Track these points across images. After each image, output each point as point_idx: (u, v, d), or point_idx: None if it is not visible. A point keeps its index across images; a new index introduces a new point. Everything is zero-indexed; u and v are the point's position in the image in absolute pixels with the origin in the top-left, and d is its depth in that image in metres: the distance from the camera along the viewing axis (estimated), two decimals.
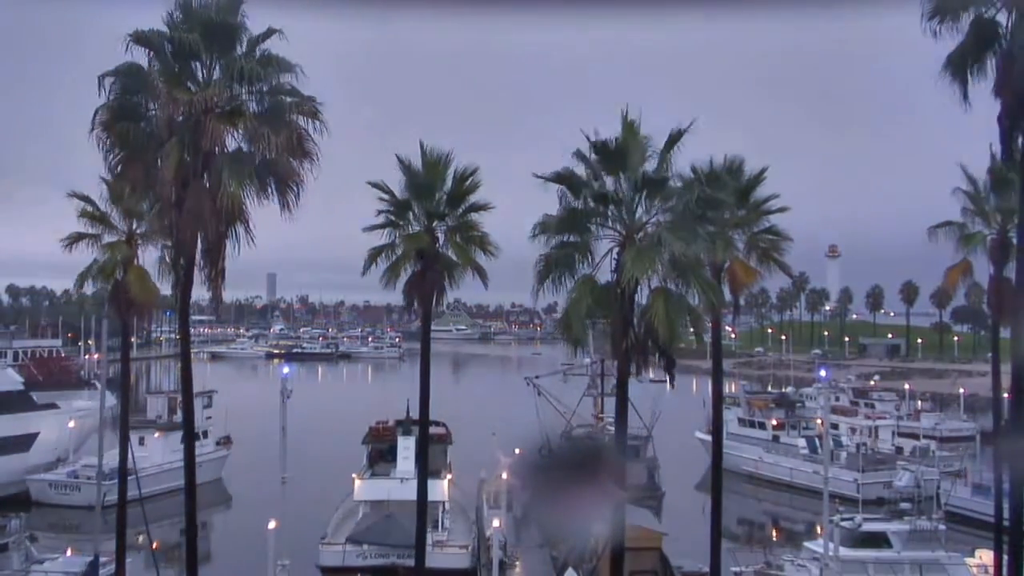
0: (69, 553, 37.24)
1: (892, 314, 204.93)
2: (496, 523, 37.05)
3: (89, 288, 33.05)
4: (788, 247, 30.67)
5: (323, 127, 20.85)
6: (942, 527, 38.12)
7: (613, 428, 43.48)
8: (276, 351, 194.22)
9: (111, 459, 38.38)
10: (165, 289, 27.09)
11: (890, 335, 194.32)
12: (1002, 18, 19.86)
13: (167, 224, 21.25)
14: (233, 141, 20.56)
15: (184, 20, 20.26)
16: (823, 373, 60.27)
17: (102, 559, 33.08)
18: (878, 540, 37.33)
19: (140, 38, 19.94)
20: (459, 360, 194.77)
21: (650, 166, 21.85)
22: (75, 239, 29.58)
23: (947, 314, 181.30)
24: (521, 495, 41.62)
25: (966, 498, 50.19)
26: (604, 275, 22.01)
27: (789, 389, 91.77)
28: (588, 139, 21.55)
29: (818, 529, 40.40)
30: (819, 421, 60.29)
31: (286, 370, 44.77)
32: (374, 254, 26.18)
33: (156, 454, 54.69)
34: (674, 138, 21.77)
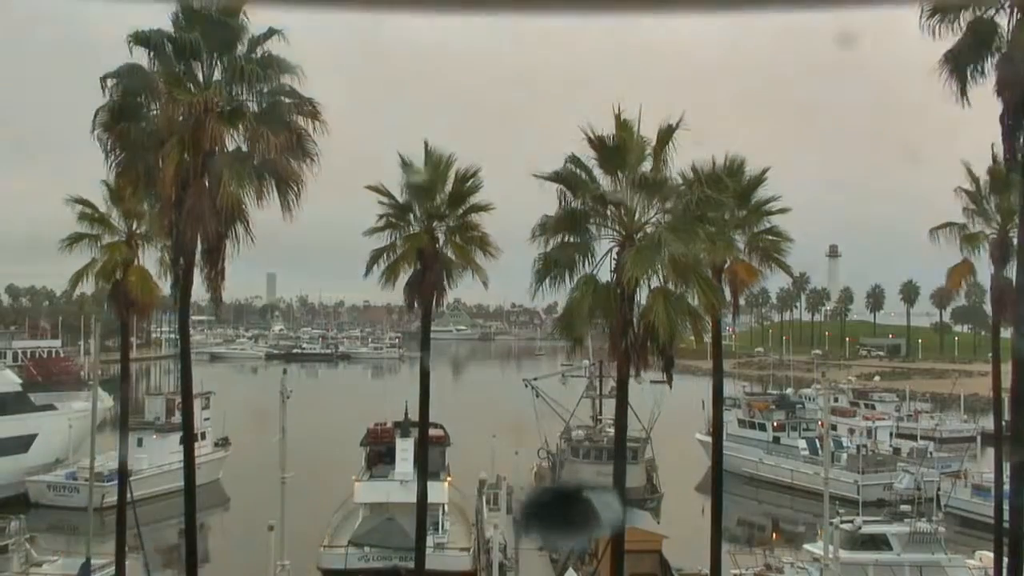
0: (60, 559, 37.11)
1: (892, 314, 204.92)
2: (496, 525, 37.01)
3: (87, 288, 32.95)
4: (789, 247, 30.70)
5: (323, 128, 20.91)
6: (942, 529, 38.08)
7: (611, 430, 43.60)
8: (276, 351, 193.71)
9: (111, 460, 38.39)
10: (165, 289, 27.08)
11: (891, 335, 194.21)
12: (1000, 19, 19.89)
13: (167, 224, 21.25)
14: (233, 141, 20.61)
15: (185, 20, 20.25)
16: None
17: (100, 561, 33.02)
18: (878, 542, 37.30)
19: (141, 38, 19.95)
20: (459, 361, 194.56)
21: (648, 166, 21.84)
22: (75, 239, 29.55)
23: (947, 314, 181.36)
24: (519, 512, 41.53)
25: (966, 499, 50.16)
26: (604, 275, 22.02)
27: (789, 390, 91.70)
28: (587, 135, 21.54)
29: (818, 531, 40.34)
30: (820, 423, 60.26)
31: (285, 372, 44.82)
32: (376, 256, 26.15)
33: (155, 455, 54.64)
34: (664, 135, 21.74)
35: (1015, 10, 19.23)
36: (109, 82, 19.89)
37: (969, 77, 20.06)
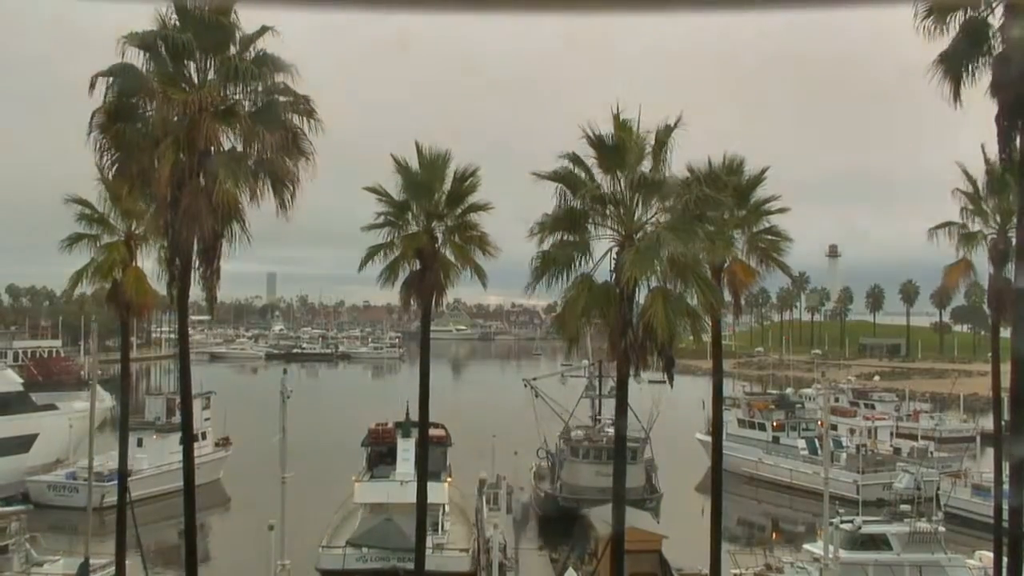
0: (61, 558, 37.13)
1: (892, 316, 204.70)
2: (496, 525, 36.99)
3: (87, 288, 32.97)
4: (788, 247, 30.69)
5: (318, 126, 20.88)
6: (942, 529, 38.06)
7: (611, 430, 43.57)
8: (276, 351, 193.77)
9: (111, 460, 38.37)
10: (163, 289, 27.05)
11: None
12: (992, 20, 19.90)
13: (163, 224, 21.22)
14: (228, 141, 20.56)
15: (178, 20, 20.21)
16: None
17: (100, 561, 32.99)
18: (878, 542, 37.26)
19: (135, 39, 19.89)
20: (459, 360, 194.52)
21: (647, 166, 21.83)
22: (74, 240, 29.57)
23: (947, 314, 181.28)
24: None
25: (966, 499, 50.12)
26: (602, 275, 22.03)
27: (788, 390, 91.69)
28: (586, 133, 21.54)
29: (818, 531, 40.35)
30: (819, 423, 60.25)
31: (285, 371, 44.82)
32: (372, 252, 26.16)
33: (155, 455, 54.66)
34: (662, 135, 21.74)
35: (1006, 11, 19.20)
36: (101, 81, 19.83)
37: (963, 78, 20.03)
